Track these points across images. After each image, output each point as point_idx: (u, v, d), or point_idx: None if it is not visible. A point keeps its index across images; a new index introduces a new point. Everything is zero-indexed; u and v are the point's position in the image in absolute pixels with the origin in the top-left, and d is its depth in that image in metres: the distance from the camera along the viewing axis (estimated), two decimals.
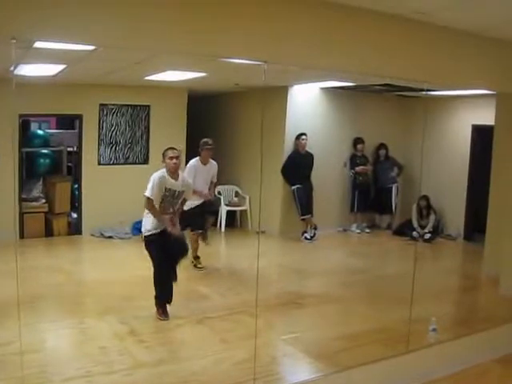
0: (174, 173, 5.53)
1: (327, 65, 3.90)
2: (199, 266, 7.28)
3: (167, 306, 5.48)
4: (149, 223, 5.50)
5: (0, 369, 4.19)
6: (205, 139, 7.22)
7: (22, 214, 8.77)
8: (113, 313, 5.59)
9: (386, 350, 4.70)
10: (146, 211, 5.52)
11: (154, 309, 5.50)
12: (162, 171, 5.50)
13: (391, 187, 10.11)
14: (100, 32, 3.20)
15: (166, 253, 5.43)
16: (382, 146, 10.24)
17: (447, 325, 5.46)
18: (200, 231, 7.24)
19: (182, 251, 5.69)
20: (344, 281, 7.29)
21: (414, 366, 4.48)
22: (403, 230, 9.83)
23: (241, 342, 4.89)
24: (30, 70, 6.71)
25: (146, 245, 5.53)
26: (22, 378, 3.74)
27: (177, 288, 5.62)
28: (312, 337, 5.36)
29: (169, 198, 5.54)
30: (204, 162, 7.16)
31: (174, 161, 5.49)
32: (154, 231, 5.46)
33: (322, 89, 9.49)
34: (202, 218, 7.18)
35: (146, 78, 7.74)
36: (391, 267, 7.89)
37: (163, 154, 5.57)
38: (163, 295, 5.47)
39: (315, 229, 9.35)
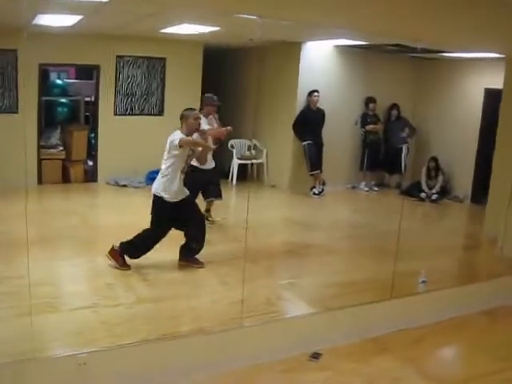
0: (192, 135, 5.46)
1: (324, 22, 4.01)
2: (210, 219, 7.28)
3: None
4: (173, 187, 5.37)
5: (13, 298, 4.53)
6: (209, 94, 7.17)
7: (40, 161, 9.12)
8: None
9: (374, 297, 4.95)
10: (167, 173, 5.36)
11: (159, 251, 5.76)
12: (178, 133, 5.30)
13: (401, 147, 10.21)
14: None
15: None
16: (394, 106, 10.32)
17: (439, 278, 5.66)
18: (215, 198, 7.20)
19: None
20: (346, 234, 7.55)
21: (397, 311, 4.71)
22: (411, 191, 10.00)
23: (239, 285, 5.16)
24: (48, 20, 6.92)
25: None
26: (30, 307, 4.04)
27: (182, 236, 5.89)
28: (308, 283, 5.64)
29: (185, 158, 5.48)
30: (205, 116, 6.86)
31: (199, 121, 5.50)
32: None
33: (336, 46, 9.56)
34: (216, 185, 7.09)
35: (162, 30, 7.90)
36: (393, 224, 8.04)
37: (185, 115, 5.36)
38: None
39: (323, 184, 9.56)
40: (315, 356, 4.05)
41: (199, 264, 5.67)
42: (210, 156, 6.63)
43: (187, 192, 5.52)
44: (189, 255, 5.68)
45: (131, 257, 5.49)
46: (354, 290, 5.32)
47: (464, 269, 6.66)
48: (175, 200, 5.38)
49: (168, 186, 5.34)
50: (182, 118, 5.39)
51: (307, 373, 3.88)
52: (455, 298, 5.13)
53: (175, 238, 5.65)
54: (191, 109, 5.53)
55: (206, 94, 7.25)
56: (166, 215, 5.43)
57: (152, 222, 5.48)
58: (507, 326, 4.92)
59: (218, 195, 7.13)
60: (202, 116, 6.72)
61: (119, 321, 4.32)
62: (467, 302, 5.16)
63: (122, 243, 5.46)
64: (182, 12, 5.95)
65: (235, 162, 9.99)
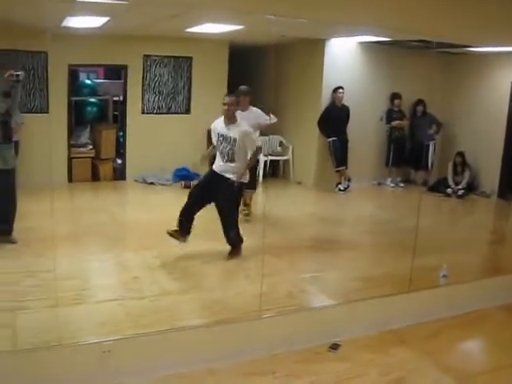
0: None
1: (342, 19, 4.09)
2: (246, 212, 7.39)
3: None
4: None
5: (42, 291, 4.70)
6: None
7: (70, 159, 9.32)
8: (149, 249, 6.04)
9: (394, 291, 5.00)
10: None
11: (185, 246, 5.93)
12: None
13: (428, 144, 10.18)
14: None
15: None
16: (420, 102, 10.28)
17: (460, 272, 5.68)
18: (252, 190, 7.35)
19: None
20: (369, 230, 7.60)
21: (416, 304, 4.77)
22: (438, 187, 9.99)
23: (263, 278, 5.27)
24: (77, 22, 7.11)
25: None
26: (56, 299, 4.22)
27: (210, 229, 6.03)
28: (330, 277, 5.72)
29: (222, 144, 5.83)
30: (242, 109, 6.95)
31: (227, 107, 5.74)
32: None
33: (360, 43, 9.58)
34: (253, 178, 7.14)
35: (187, 30, 8.02)
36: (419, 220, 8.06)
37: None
38: None
39: (349, 181, 9.59)
40: (334, 347, 4.14)
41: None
42: None
43: None
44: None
45: None
46: (376, 283, 5.38)
47: (486, 263, 6.66)
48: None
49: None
50: None
51: (325, 363, 3.97)
52: (473, 292, 5.16)
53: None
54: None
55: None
56: None
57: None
58: None
59: (253, 187, 7.24)
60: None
61: (144, 313, 4.46)
62: (485, 296, 5.17)
63: None
64: (204, 12, 6.05)
65: (261, 159, 10.02)
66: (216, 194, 5.73)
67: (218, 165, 5.86)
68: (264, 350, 3.94)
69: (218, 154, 5.88)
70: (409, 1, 4.43)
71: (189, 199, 5.86)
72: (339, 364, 3.97)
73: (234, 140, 5.70)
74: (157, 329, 4.00)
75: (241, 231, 5.93)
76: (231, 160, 5.76)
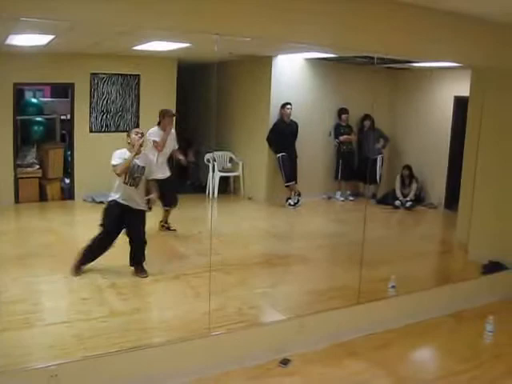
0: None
1: (282, 36, 4.14)
2: (169, 227, 7.52)
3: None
4: None
5: None
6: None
7: (16, 179, 9.12)
8: (97, 269, 5.96)
9: (345, 303, 5.05)
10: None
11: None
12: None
13: (376, 158, 10.36)
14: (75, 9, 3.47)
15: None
16: (367, 116, 10.46)
17: (409, 283, 5.79)
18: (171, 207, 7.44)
19: None
20: (320, 244, 7.65)
21: (365, 316, 4.83)
22: (387, 199, 10.19)
23: (213, 296, 5.25)
24: (21, 40, 7.01)
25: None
26: (4, 323, 4.13)
27: (159, 249, 6.00)
28: (281, 292, 5.76)
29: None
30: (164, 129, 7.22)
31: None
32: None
33: (307, 59, 9.73)
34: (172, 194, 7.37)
35: (134, 47, 8.00)
36: (368, 232, 8.17)
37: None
38: None
39: (299, 195, 9.68)
40: (284, 362, 4.15)
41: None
42: (164, 165, 7.09)
43: None
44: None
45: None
46: (326, 297, 5.45)
47: (434, 274, 6.81)
48: None
49: None
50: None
51: (276, 378, 3.98)
52: (423, 302, 5.26)
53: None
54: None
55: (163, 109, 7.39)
56: None
57: None
58: (472, 327, 5.04)
59: (174, 203, 7.35)
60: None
61: (92, 334, 4.40)
62: (435, 305, 5.28)
63: None
64: (150, 31, 6.05)
65: (216, 175, 10.00)
66: None
67: None
68: (215, 368, 3.92)
69: None
70: (350, 18, 4.51)
71: None
72: (289, 378, 3.98)
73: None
74: (105, 350, 3.94)
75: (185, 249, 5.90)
76: None
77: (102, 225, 5.78)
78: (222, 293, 5.38)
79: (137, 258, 5.84)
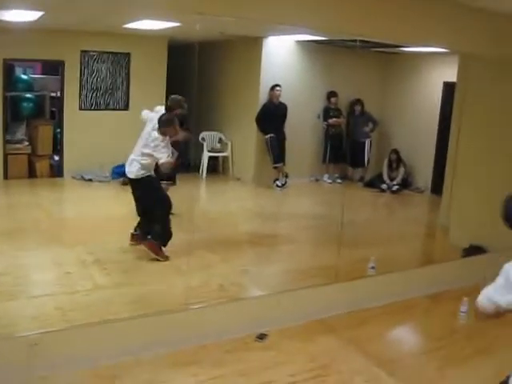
0: None
1: (265, 17, 4.18)
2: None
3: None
4: None
5: None
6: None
7: (5, 155, 9.18)
8: (83, 245, 6.05)
9: (323, 282, 5.16)
10: None
11: (121, 243, 5.99)
12: None
13: (364, 141, 10.47)
14: None
15: None
16: (358, 101, 10.51)
17: (389, 264, 5.90)
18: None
19: None
20: (305, 225, 7.76)
21: (344, 294, 4.93)
22: (374, 183, 10.29)
23: (195, 273, 5.35)
24: (11, 15, 7.01)
25: None
26: None
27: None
28: (263, 271, 5.87)
29: None
30: None
31: None
32: None
33: (298, 41, 9.76)
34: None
35: (125, 26, 8.01)
36: (353, 215, 8.27)
37: None
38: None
39: (286, 177, 9.77)
40: (261, 337, 4.25)
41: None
42: None
43: None
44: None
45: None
46: (307, 275, 5.56)
47: (414, 256, 6.90)
48: None
49: None
50: None
51: (252, 352, 4.07)
52: (401, 282, 5.35)
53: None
54: None
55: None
56: None
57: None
58: (448, 308, 5.14)
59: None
60: None
61: (75, 307, 4.50)
62: (412, 285, 5.37)
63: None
64: (139, 9, 6.07)
65: (205, 155, 10.11)
66: None
67: None
68: (191, 341, 4.02)
69: None
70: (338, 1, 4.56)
71: None
72: (265, 352, 4.08)
73: None
74: (87, 322, 4.03)
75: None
76: None
77: None
78: (204, 269, 5.48)
79: None
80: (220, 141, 10.54)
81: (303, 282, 5.30)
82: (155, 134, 5.61)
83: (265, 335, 4.27)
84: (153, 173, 5.79)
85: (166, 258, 5.69)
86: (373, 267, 5.63)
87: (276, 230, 7.49)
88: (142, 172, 5.66)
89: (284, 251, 6.52)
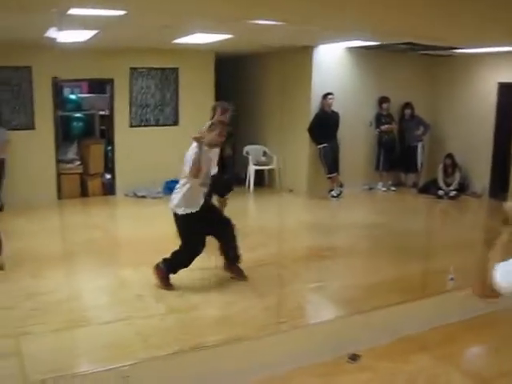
0: None
1: (335, 25, 4.03)
2: None
3: None
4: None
5: (43, 314, 4.55)
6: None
7: (58, 175, 9.20)
8: (147, 265, 5.85)
9: (402, 296, 4.93)
10: None
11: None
12: None
13: (416, 146, 10.24)
14: None
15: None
16: (408, 105, 10.30)
17: (467, 275, 5.62)
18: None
19: None
20: (366, 235, 7.55)
21: (430, 310, 4.70)
22: (429, 188, 10.01)
23: (269, 291, 5.16)
24: (62, 36, 6.97)
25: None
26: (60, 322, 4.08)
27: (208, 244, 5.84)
28: (335, 286, 5.62)
29: None
30: None
31: None
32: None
33: (347, 48, 9.57)
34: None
35: (174, 41, 7.93)
36: (412, 223, 8.05)
37: None
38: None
39: (341, 187, 9.56)
40: (353, 358, 4.05)
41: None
42: None
43: None
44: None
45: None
46: (381, 290, 5.32)
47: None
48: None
49: None
50: None
51: (347, 375, 3.88)
52: None
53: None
54: None
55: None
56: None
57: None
58: None
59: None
60: None
61: (153, 332, 4.33)
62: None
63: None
64: (197, 21, 5.97)
65: (251, 168, 10.06)
66: None
67: None
68: (284, 365, 3.83)
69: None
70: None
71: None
72: (361, 374, 3.88)
73: None
74: (169, 348, 3.88)
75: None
76: None
77: None
78: (278, 287, 5.29)
79: None
80: (264, 154, 10.45)
81: (380, 296, 5.08)
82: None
83: (357, 356, 4.06)
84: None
85: (170, 287, 5.29)
86: (452, 278, 5.37)
87: (338, 241, 7.28)
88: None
89: (351, 264, 6.29)
